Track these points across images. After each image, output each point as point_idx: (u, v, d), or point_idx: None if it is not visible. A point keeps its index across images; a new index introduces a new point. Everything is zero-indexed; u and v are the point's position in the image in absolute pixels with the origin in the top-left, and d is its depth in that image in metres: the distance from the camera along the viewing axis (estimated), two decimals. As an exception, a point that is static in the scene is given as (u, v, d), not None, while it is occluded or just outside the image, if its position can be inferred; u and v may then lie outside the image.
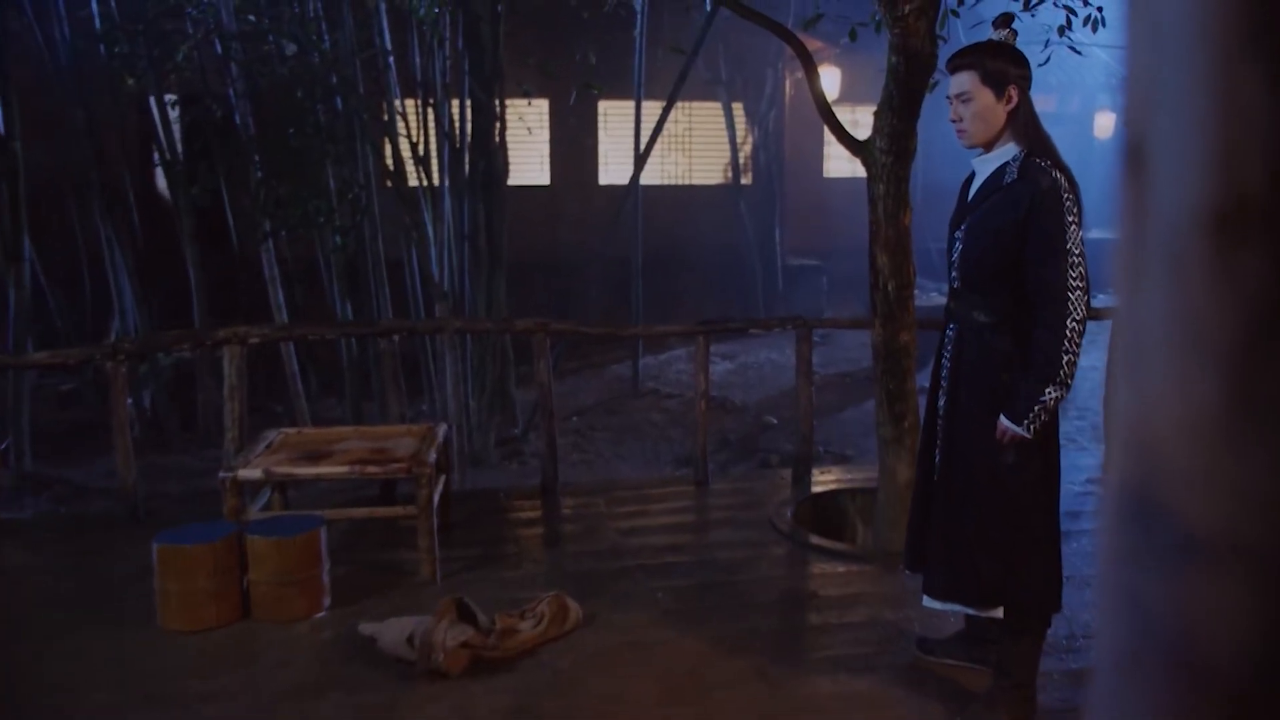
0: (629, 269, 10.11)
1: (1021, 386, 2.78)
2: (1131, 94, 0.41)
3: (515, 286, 8.78)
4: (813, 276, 13.45)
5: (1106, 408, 5.79)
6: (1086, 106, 16.86)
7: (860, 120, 14.39)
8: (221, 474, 4.09)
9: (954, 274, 2.97)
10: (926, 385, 3.21)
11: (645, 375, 10.31)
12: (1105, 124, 16.58)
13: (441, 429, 4.69)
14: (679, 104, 11.19)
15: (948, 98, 2.95)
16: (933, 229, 13.32)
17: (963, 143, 2.95)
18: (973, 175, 3.01)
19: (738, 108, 13.00)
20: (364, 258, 7.87)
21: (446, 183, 7.69)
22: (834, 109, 4.31)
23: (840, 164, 14.75)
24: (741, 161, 13.25)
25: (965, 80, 2.88)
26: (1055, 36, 5.19)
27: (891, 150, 3.87)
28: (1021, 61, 2.87)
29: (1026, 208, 2.74)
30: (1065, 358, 2.71)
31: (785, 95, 13.58)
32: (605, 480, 6.50)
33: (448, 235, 7.67)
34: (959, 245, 2.95)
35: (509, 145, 8.48)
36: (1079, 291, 2.69)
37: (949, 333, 3.01)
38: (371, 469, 4.12)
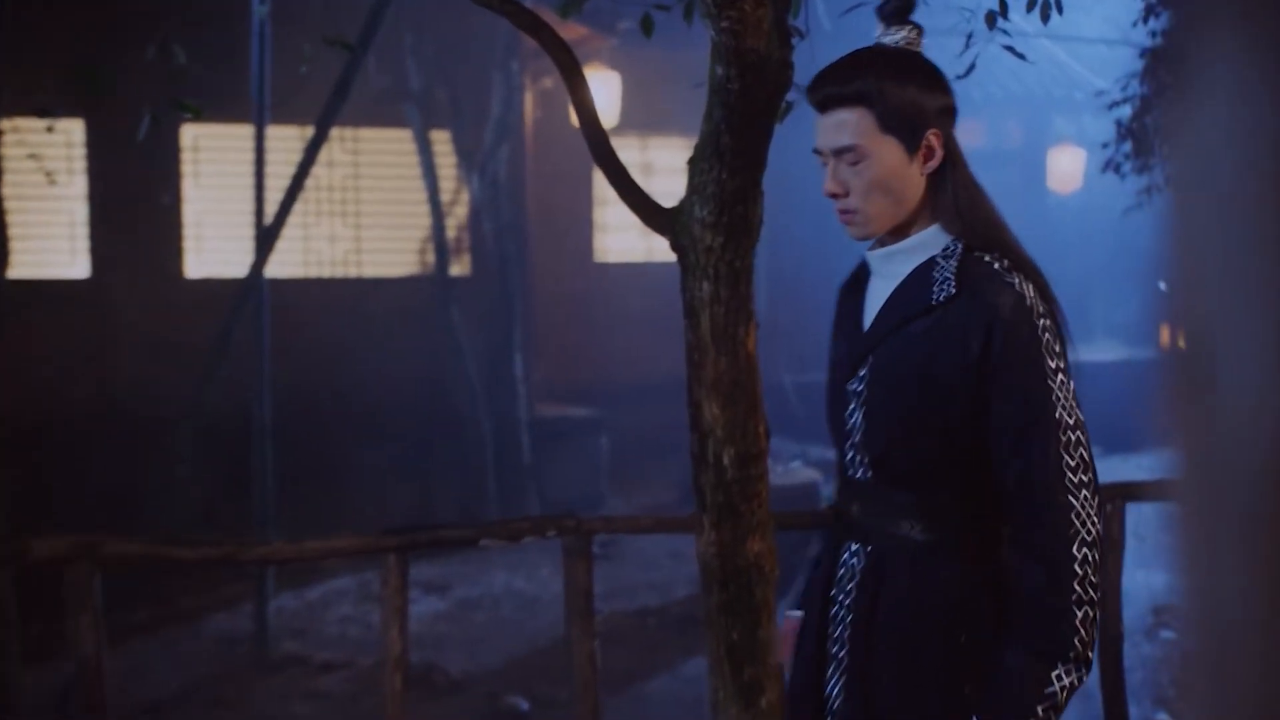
0: (249, 431, 9.97)
1: (1011, 666, 2.63)
2: (1180, 287, 0.46)
3: (22, 468, 8.47)
4: (583, 437, 13.69)
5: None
6: (1033, 138, 17.91)
7: (658, 163, 15.03)
8: None
9: (856, 455, 2.88)
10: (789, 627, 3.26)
11: (282, 629, 10.08)
12: (1066, 168, 16.86)
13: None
14: (339, 133, 11.31)
15: (815, 151, 2.88)
16: (788, 352, 13.96)
17: (851, 232, 2.88)
18: (864, 274, 3.01)
19: (441, 140, 13.23)
20: None
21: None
22: (614, 142, 4.46)
23: (627, 240, 15.27)
24: (452, 235, 13.46)
25: (851, 123, 2.78)
26: (983, 29, 5.48)
27: (721, 224, 4.01)
28: (940, 84, 2.85)
29: (981, 347, 2.65)
30: (1080, 612, 2.57)
31: (526, 119, 13.98)
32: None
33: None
34: (859, 407, 2.86)
35: (8, 205, 8.32)
36: (1085, 490, 2.59)
37: (849, 559, 2.88)
38: None
